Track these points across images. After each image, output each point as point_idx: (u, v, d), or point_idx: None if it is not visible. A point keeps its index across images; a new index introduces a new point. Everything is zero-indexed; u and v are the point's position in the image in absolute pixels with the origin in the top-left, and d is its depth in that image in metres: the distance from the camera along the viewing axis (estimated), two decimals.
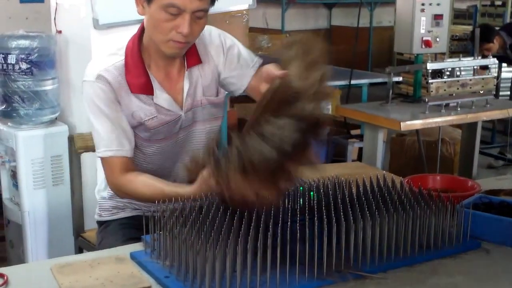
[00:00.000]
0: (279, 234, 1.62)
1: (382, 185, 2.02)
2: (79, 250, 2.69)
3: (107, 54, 2.16)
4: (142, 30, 2.14)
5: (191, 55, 2.18)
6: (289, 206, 1.93)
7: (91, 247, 2.52)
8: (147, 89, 2.12)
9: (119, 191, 2.16)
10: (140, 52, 2.13)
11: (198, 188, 1.89)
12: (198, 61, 2.20)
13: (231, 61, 2.24)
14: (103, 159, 2.14)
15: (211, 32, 2.24)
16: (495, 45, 5.99)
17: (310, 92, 1.53)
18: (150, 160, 2.23)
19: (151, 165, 2.23)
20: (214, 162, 1.62)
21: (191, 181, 1.94)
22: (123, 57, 2.12)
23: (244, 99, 2.59)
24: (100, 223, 2.38)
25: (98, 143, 2.13)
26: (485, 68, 4.44)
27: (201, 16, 2.02)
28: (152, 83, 2.13)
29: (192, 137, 2.24)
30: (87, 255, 1.96)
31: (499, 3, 9.59)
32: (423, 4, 4.35)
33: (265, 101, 1.64)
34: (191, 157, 2.02)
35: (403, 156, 5.35)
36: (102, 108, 2.09)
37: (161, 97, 2.14)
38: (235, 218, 1.71)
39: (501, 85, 6.90)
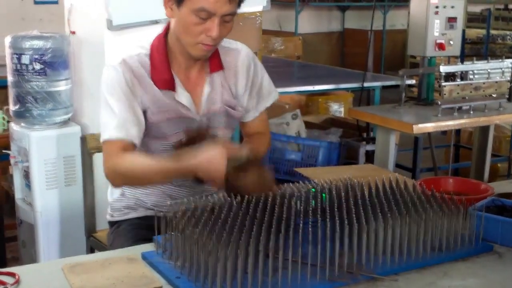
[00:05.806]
0: (290, 236, 1.62)
1: (395, 187, 2.01)
2: (91, 250, 2.70)
3: (134, 46, 2.19)
4: (167, 30, 2.17)
5: (214, 60, 2.22)
6: (301, 207, 1.94)
7: (103, 247, 2.52)
8: (170, 86, 2.15)
9: (114, 172, 2.09)
10: (166, 50, 2.16)
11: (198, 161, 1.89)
12: (220, 67, 2.23)
13: (251, 89, 2.31)
14: (106, 142, 2.10)
15: (242, 51, 2.29)
16: None
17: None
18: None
19: None
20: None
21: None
22: (148, 51, 2.16)
23: None
24: (112, 224, 2.38)
25: (107, 125, 2.10)
26: None
27: (229, 20, 2.06)
28: (175, 80, 2.16)
29: None
30: (98, 255, 1.96)
31: None
32: (437, 7, 4.31)
33: None
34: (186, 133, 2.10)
35: None
36: (119, 92, 2.10)
37: (183, 94, 2.17)
38: (247, 219, 1.72)
39: None
